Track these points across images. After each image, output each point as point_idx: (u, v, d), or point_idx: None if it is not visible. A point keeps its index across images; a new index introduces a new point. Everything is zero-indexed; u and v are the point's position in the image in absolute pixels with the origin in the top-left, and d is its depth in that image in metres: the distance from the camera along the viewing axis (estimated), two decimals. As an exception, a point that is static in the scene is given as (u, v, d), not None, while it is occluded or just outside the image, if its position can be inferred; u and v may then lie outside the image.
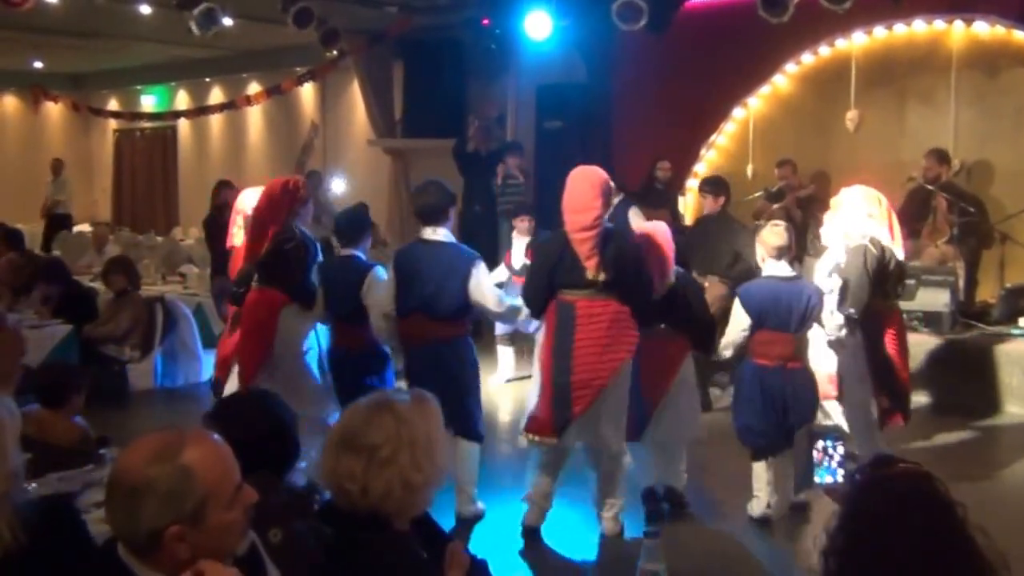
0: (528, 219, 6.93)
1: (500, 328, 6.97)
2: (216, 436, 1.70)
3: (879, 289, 4.53)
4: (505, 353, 7.19)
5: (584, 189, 4.00)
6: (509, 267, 6.90)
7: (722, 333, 4.44)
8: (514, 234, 7.13)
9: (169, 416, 6.29)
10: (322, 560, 2.03)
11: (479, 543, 4.00)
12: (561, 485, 4.31)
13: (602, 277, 3.92)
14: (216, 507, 1.60)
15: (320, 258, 4.74)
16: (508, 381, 7.11)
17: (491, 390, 6.96)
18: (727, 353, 4.48)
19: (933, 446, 5.48)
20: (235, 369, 4.80)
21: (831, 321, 4.34)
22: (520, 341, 6.93)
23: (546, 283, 4.04)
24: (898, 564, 1.50)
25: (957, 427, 5.93)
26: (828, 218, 4.79)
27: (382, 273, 4.44)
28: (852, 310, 4.43)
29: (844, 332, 4.37)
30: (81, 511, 2.47)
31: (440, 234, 4.28)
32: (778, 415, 4.21)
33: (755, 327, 4.24)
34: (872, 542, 1.53)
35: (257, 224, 4.71)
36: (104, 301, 7.09)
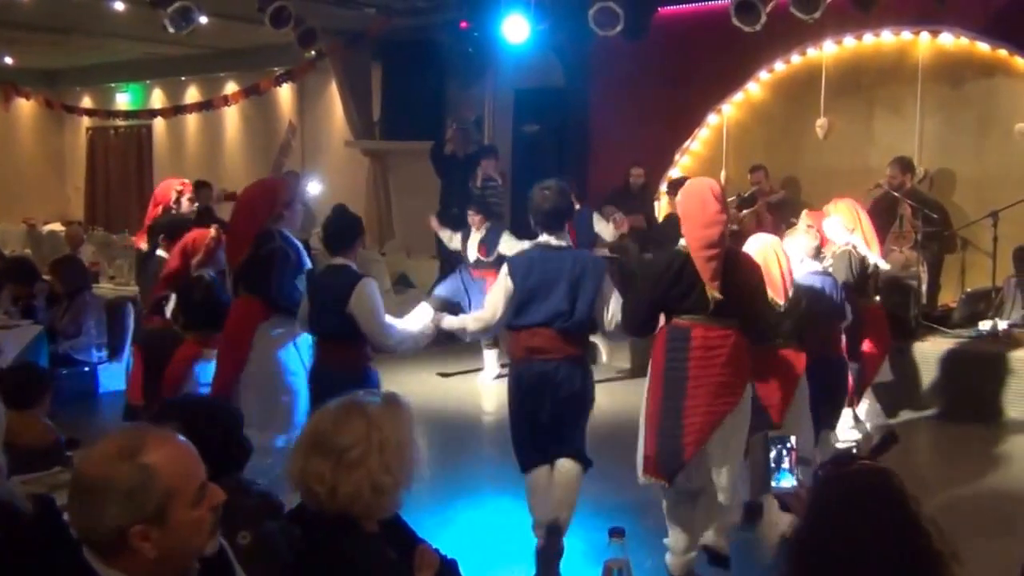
0: (481, 215, 7.36)
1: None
2: (180, 436, 1.69)
3: (861, 288, 5.10)
4: (489, 354, 7.37)
5: (708, 200, 3.66)
6: (480, 258, 7.25)
7: None
8: (472, 231, 7.43)
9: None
10: (291, 561, 2.05)
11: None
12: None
13: (721, 299, 3.60)
14: (180, 506, 1.60)
15: (308, 265, 4.45)
16: (496, 378, 7.27)
17: (480, 388, 7.19)
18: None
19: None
20: None
21: None
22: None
23: (659, 302, 3.72)
24: (856, 554, 1.58)
25: (913, 426, 6.08)
26: (815, 218, 5.16)
27: (374, 287, 4.08)
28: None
29: None
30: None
31: (564, 240, 3.92)
32: (828, 395, 4.48)
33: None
34: (832, 534, 1.61)
35: (234, 229, 4.51)
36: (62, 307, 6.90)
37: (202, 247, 5.00)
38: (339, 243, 4.12)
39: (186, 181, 6.01)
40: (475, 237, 7.36)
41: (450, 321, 4.13)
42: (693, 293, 3.62)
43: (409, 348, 4.17)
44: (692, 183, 3.88)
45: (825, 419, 4.53)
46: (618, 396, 6.15)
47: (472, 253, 7.33)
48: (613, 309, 3.81)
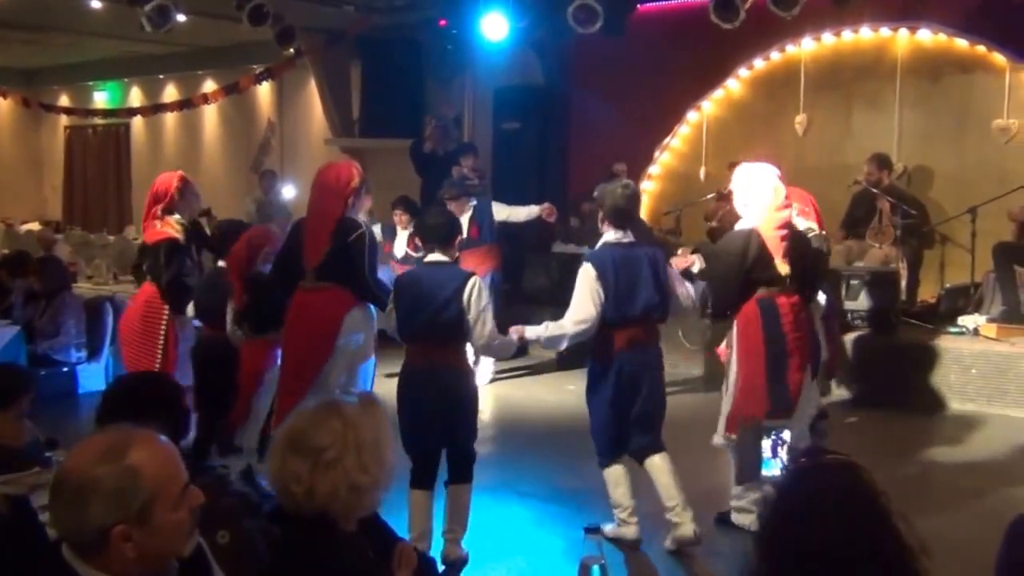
0: (406, 213, 7.33)
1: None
2: (163, 438, 1.71)
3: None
4: (486, 361, 7.10)
5: (779, 185, 4.14)
6: (390, 255, 7.21)
7: None
8: (398, 228, 7.41)
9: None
10: (269, 561, 2.05)
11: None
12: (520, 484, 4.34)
13: (790, 272, 4.12)
14: (162, 507, 1.61)
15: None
16: (491, 383, 7.23)
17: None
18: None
19: (874, 440, 5.65)
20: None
21: None
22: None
23: (741, 281, 4.12)
24: (825, 550, 1.57)
25: (898, 422, 6.12)
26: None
27: (484, 283, 3.96)
28: None
29: None
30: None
31: (631, 237, 4.11)
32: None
33: None
34: (800, 529, 1.60)
35: (315, 217, 4.24)
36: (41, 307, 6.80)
37: (268, 239, 4.76)
38: (441, 238, 3.88)
39: (181, 173, 5.65)
40: (403, 235, 7.30)
41: (533, 331, 4.04)
42: (769, 268, 4.08)
43: (498, 353, 4.07)
44: (756, 169, 4.23)
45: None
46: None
47: (400, 249, 7.27)
48: (681, 291, 4.15)
